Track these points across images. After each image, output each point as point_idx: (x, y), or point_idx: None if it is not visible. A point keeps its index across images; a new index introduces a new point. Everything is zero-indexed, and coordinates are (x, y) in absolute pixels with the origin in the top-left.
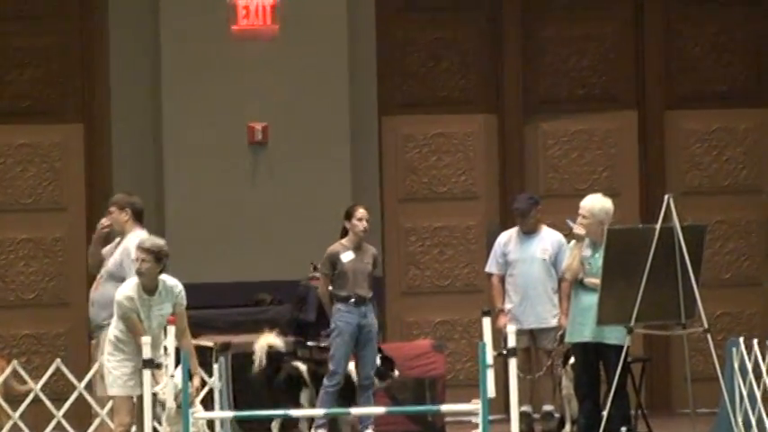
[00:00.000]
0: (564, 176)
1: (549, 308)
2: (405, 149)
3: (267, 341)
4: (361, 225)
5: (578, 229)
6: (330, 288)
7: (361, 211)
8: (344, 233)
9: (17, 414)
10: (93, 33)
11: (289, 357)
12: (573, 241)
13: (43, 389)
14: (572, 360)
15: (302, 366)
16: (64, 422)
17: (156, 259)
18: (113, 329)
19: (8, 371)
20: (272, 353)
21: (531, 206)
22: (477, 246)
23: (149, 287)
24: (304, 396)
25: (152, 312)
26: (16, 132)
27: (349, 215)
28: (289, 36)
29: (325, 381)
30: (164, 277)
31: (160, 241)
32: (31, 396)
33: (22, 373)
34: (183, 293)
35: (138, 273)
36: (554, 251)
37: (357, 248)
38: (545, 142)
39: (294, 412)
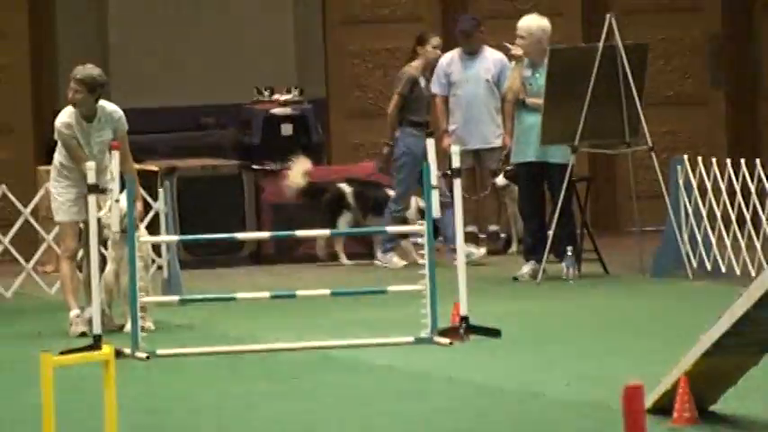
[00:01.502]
0: None
1: (493, 128)
2: None
3: (302, 169)
4: (436, 53)
5: (516, 50)
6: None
7: (436, 40)
8: (412, 58)
9: None
10: None
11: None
12: (513, 62)
13: None
14: (500, 178)
15: (347, 188)
16: (10, 248)
17: (90, 90)
18: (57, 156)
19: None
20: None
21: (474, 26)
22: None
23: (87, 115)
24: (344, 219)
25: (92, 139)
26: None
27: (423, 41)
28: None
29: (391, 205)
30: (103, 103)
31: (94, 71)
32: None
33: None
34: (124, 119)
35: (72, 103)
36: (497, 71)
37: (424, 74)
38: None
39: (239, 235)
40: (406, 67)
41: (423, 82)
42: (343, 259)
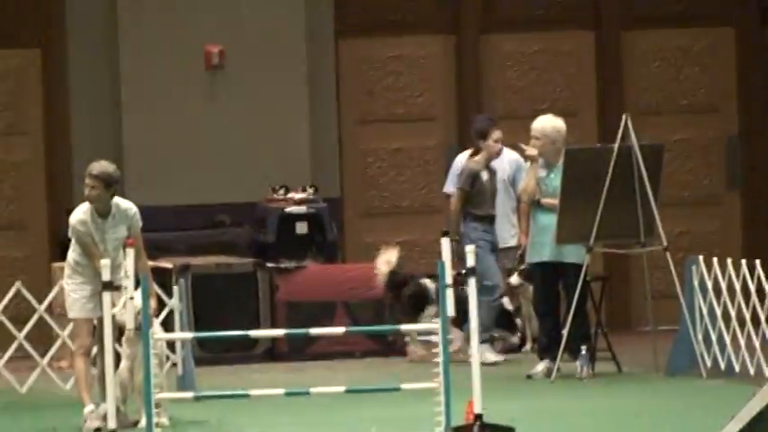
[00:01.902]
0: (522, 97)
1: (508, 228)
2: (361, 71)
3: (387, 257)
4: (497, 146)
5: (531, 151)
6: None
7: (497, 133)
8: (475, 152)
9: None
10: None
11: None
12: (528, 163)
13: (3, 311)
14: (514, 278)
15: (430, 284)
16: (25, 344)
17: (106, 185)
18: (71, 253)
19: None
20: (394, 270)
21: (489, 126)
22: (435, 167)
23: (102, 211)
24: (428, 313)
25: (107, 235)
26: None
27: (484, 135)
28: None
29: (482, 298)
30: (117, 200)
31: (109, 167)
32: None
33: None
34: (138, 215)
35: (89, 199)
36: (512, 171)
37: (487, 168)
38: (503, 63)
39: (254, 333)
40: (468, 162)
41: (485, 176)
42: (416, 353)
